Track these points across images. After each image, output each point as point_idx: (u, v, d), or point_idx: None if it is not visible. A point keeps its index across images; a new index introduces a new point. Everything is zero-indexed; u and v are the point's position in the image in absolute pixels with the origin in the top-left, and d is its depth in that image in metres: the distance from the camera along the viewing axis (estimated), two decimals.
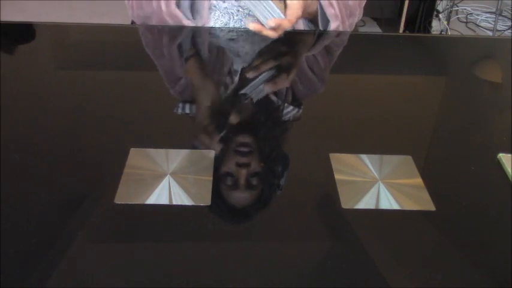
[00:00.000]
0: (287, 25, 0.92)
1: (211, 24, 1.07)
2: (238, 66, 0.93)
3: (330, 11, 1.02)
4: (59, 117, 0.80)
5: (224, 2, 1.05)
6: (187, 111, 0.83)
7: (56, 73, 0.96)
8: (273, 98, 0.85)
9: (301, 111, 0.84)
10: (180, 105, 0.84)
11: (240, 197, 0.67)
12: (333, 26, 1.03)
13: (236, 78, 0.90)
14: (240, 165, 0.69)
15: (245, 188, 0.67)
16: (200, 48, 1.02)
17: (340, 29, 1.05)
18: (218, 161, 0.69)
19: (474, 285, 0.55)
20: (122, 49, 1.06)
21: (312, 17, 1.06)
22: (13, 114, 0.79)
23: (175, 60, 0.98)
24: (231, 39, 1.03)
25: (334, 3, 1.02)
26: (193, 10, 1.05)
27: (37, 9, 3.04)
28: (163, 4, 1.02)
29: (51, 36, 1.09)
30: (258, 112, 0.84)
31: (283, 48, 0.98)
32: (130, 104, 0.85)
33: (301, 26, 1.08)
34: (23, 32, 1.09)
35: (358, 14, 1.10)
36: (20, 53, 1.01)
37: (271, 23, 0.90)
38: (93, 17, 2.94)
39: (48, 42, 1.07)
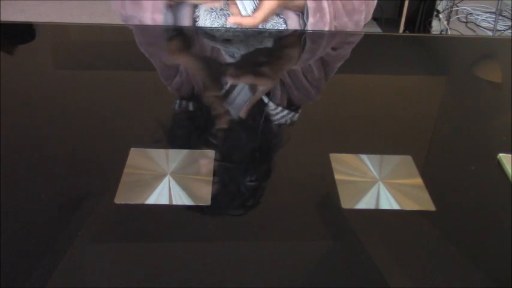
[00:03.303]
0: (248, 24, 0.93)
1: (207, 25, 1.07)
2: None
3: (310, 4, 1.00)
4: (59, 117, 0.80)
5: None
6: (182, 108, 0.83)
7: (56, 73, 0.96)
8: (266, 99, 0.85)
9: (297, 115, 0.84)
10: (177, 101, 0.84)
11: (228, 195, 0.67)
12: (311, 20, 1.01)
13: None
14: (227, 164, 0.69)
15: (232, 188, 0.67)
16: (194, 48, 1.02)
17: (325, 26, 1.03)
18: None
19: (474, 285, 0.55)
20: (122, 49, 1.05)
21: (300, 10, 1.04)
22: (13, 114, 0.79)
23: (170, 58, 0.98)
24: (227, 40, 1.03)
25: None
26: (176, 21, 1.05)
27: (37, 9, 3.04)
28: (148, 17, 1.02)
29: (51, 36, 1.09)
30: (251, 114, 0.84)
31: (269, 54, 0.98)
32: (130, 104, 0.85)
33: (294, 22, 1.07)
34: (23, 32, 1.09)
35: (366, 12, 1.09)
36: (20, 53, 1.01)
37: (231, 20, 0.93)
38: (93, 17, 2.94)
39: (48, 42, 1.07)
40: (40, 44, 1.05)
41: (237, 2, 0.94)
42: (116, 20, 1.10)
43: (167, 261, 0.57)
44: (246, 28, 1.06)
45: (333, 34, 1.04)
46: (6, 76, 0.89)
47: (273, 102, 0.85)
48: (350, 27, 1.08)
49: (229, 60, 0.97)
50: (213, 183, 0.66)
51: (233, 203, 0.67)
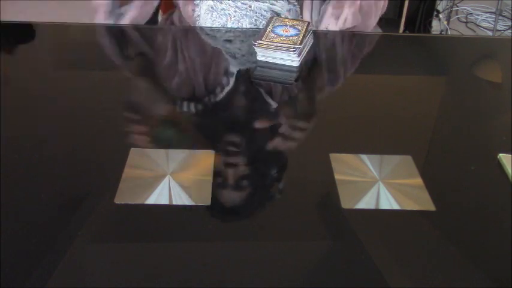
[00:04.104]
0: None
1: (208, 25, 1.07)
2: (234, 68, 0.93)
3: None
4: (59, 117, 0.80)
5: (221, 3, 1.05)
6: (184, 109, 0.83)
7: (56, 73, 0.96)
8: (269, 100, 0.85)
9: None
10: (178, 102, 0.84)
11: (228, 196, 0.67)
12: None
13: (232, 80, 0.89)
14: (227, 164, 0.69)
15: (233, 188, 0.67)
16: (194, 47, 1.02)
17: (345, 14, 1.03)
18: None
19: (474, 285, 0.55)
20: (122, 49, 1.05)
21: None
22: (13, 114, 0.79)
23: (170, 58, 0.97)
24: (228, 40, 1.03)
25: None
26: None
27: (37, 9, 3.03)
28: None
29: (51, 36, 1.09)
30: (255, 113, 0.84)
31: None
32: (130, 104, 0.85)
33: (308, 11, 1.06)
34: (23, 32, 1.09)
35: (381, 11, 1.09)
36: (20, 53, 1.01)
37: None
38: (93, 17, 2.94)
39: (48, 42, 1.07)
40: (40, 44, 1.05)
41: None
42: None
43: (167, 261, 0.57)
44: (247, 28, 1.06)
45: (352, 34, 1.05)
46: (7, 76, 0.89)
47: (274, 99, 0.85)
48: (370, 26, 1.08)
49: (232, 60, 0.97)
50: (215, 183, 0.66)
51: (235, 203, 0.67)
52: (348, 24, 1.04)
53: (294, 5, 1.07)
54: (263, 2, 1.05)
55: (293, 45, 0.90)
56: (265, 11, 1.06)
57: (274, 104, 0.84)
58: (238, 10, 1.05)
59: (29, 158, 0.71)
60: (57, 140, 0.75)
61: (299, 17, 1.08)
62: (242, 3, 1.05)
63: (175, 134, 0.76)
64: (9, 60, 0.97)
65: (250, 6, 1.05)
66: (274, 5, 1.06)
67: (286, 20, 0.98)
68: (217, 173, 0.67)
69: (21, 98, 0.85)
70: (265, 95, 0.86)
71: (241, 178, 0.68)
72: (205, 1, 1.06)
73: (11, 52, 1.00)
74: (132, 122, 0.77)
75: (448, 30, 2.90)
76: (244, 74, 0.92)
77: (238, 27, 1.06)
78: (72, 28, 1.16)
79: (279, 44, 0.90)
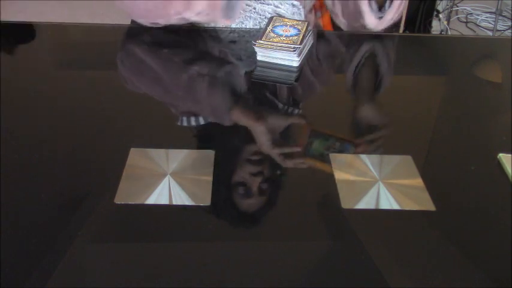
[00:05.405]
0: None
1: (211, 25, 1.07)
2: (241, 71, 0.93)
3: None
4: (59, 117, 0.80)
5: None
6: (192, 123, 0.81)
7: (56, 73, 0.96)
8: (276, 101, 0.85)
9: (301, 111, 0.84)
10: (184, 118, 0.81)
11: (253, 203, 0.66)
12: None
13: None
14: (254, 174, 0.69)
15: (257, 195, 0.67)
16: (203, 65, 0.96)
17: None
18: (228, 169, 0.69)
19: (474, 285, 0.55)
20: (122, 49, 1.05)
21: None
22: (13, 114, 0.79)
23: (170, 80, 0.91)
24: (232, 41, 1.03)
25: None
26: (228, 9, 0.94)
27: (37, 9, 3.03)
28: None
29: (51, 36, 1.09)
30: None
31: None
32: (130, 104, 0.85)
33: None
34: (23, 32, 1.09)
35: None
36: (20, 53, 1.01)
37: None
38: (93, 17, 2.94)
39: (48, 42, 1.07)
40: (40, 44, 1.05)
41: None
42: (116, 20, 1.10)
43: (167, 261, 0.57)
44: (249, 28, 1.05)
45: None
46: (6, 76, 0.89)
47: (281, 102, 0.85)
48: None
49: (236, 62, 0.96)
50: (214, 183, 0.66)
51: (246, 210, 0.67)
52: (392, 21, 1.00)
53: (299, 9, 1.06)
54: (268, 5, 1.05)
55: (293, 45, 0.90)
56: (269, 13, 1.05)
57: (280, 104, 0.84)
58: (242, 12, 1.05)
59: (29, 158, 0.71)
60: (57, 140, 0.75)
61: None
62: (247, 5, 1.05)
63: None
64: (9, 60, 0.97)
65: (254, 8, 1.05)
66: (279, 7, 1.06)
67: (287, 19, 0.98)
68: (232, 183, 0.67)
69: (21, 98, 0.85)
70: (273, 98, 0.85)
71: (255, 186, 0.68)
72: None
73: (11, 52, 1.00)
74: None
75: (448, 30, 2.90)
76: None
77: (242, 28, 1.06)
78: (72, 28, 1.16)
79: (279, 44, 0.90)
